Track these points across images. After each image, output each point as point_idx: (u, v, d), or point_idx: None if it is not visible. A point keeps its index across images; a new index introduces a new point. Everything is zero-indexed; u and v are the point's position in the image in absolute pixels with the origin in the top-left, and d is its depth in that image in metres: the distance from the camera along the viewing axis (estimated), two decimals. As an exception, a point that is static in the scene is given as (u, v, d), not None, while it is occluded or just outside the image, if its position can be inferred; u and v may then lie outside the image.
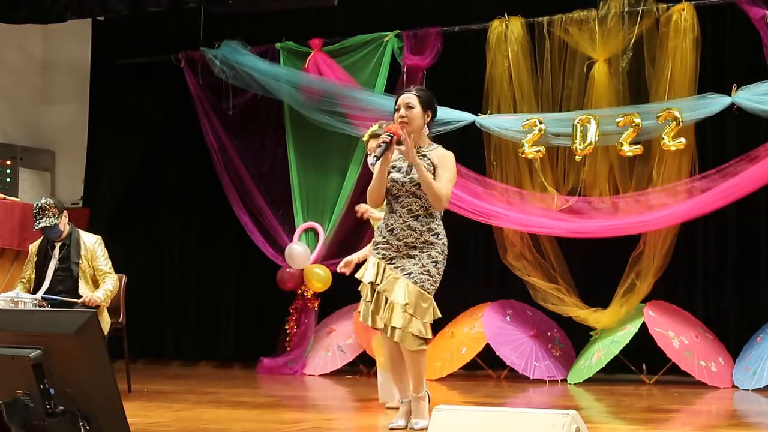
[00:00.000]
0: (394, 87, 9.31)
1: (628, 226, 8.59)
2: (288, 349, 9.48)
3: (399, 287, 5.42)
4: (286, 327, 9.50)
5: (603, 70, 8.80)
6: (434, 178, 5.51)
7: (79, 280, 7.27)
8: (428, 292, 5.45)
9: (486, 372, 9.08)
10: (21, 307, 6.76)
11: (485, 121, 9.01)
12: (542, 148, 8.78)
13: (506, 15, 9.05)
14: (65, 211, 7.34)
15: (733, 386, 8.16)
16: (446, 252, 5.62)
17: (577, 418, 3.52)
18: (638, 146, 8.49)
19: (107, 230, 8.66)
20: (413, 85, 5.95)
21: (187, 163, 10.62)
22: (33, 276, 7.36)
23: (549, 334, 9.09)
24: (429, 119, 5.73)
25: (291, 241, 9.44)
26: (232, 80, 9.86)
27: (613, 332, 8.61)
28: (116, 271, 7.56)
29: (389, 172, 5.63)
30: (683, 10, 8.52)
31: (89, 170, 11.00)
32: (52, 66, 11.33)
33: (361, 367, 9.34)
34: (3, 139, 10.60)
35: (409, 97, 5.65)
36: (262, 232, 9.86)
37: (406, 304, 5.37)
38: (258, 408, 7.00)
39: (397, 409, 7.02)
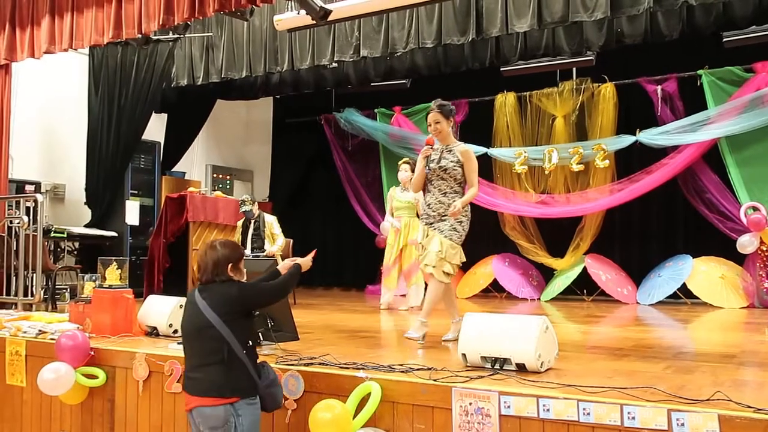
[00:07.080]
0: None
1: (576, 211, 8.47)
2: (381, 281, 9.48)
3: (434, 240, 4.53)
4: (381, 268, 9.52)
5: (561, 122, 8.69)
6: (461, 171, 4.59)
7: (265, 241, 7.45)
8: (455, 242, 4.52)
9: (494, 294, 9.03)
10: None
11: (493, 151, 8.94)
12: (526, 167, 8.71)
13: (505, 91, 8.98)
14: (256, 202, 7.59)
15: (637, 303, 8.00)
16: (469, 215, 4.61)
17: (547, 321, 3.51)
18: (581, 165, 8.39)
19: (283, 213, 8.77)
20: (435, 101, 4.80)
21: (325, 176, 10.70)
22: (240, 239, 7.55)
23: (530, 272, 8.98)
24: (451, 123, 4.74)
25: (383, 220, 9.45)
26: (350, 130, 9.96)
27: (567, 271, 8.51)
28: (286, 236, 7.71)
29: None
30: (608, 87, 8.41)
31: (272, 181, 11.17)
32: (250, 123, 11.50)
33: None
34: (225, 164, 10.83)
35: (434, 116, 4.68)
36: (367, 214, 9.90)
37: (439, 251, 4.47)
38: (366, 313, 7.07)
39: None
